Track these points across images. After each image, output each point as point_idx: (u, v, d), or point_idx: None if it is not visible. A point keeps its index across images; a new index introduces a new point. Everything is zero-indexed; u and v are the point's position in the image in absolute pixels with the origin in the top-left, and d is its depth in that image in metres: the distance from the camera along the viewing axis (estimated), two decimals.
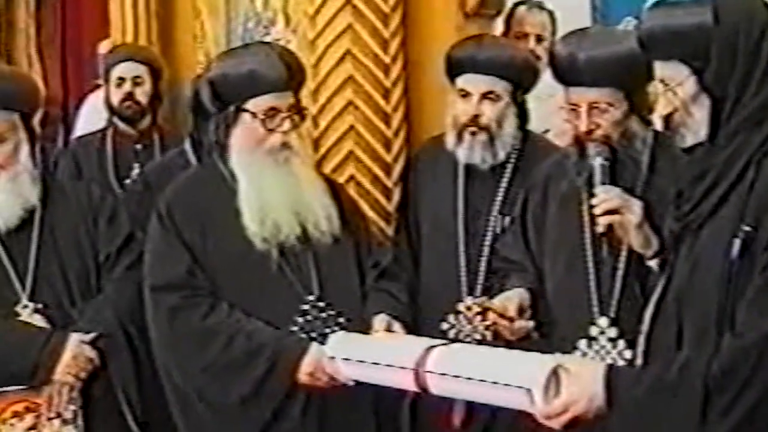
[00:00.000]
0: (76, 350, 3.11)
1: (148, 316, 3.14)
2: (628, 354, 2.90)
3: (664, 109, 2.26)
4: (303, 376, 3.01)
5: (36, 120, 3.44)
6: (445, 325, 3.45)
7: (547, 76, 3.31)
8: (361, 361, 2.79)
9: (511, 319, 3.00)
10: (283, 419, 3.08)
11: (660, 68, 2.25)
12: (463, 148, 3.47)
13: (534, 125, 3.68)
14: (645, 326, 2.36)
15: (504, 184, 3.49)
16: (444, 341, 2.81)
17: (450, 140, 3.50)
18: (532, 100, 3.69)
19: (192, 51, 4.57)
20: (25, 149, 3.20)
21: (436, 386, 2.56)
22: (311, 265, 3.15)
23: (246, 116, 3.10)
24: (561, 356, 2.60)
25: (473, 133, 3.45)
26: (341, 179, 3.64)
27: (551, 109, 3.81)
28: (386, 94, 3.78)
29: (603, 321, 3.00)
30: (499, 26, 4.45)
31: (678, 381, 2.10)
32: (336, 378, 2.92)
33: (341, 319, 3.13)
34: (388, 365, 2.68)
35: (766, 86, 2.15)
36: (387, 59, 3.78)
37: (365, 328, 3.07)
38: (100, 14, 5.56)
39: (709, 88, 2.18)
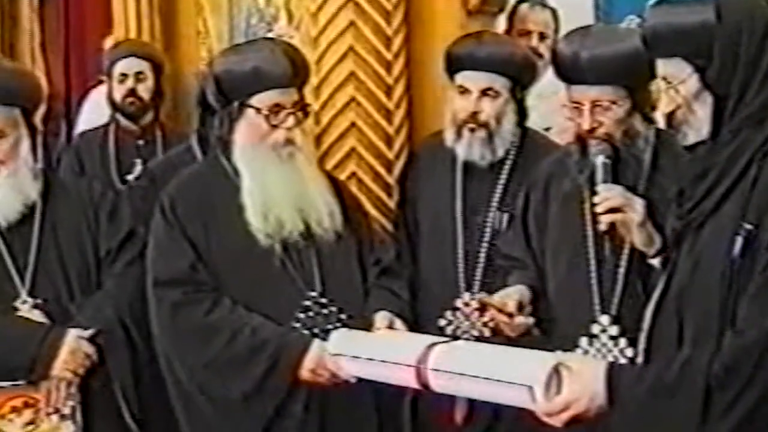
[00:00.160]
0: (74, 346, 3.10)
1: (150, 311, 3.14)
2: (629, 352, 2.90)
3: (667, 107, 2.26)
4: (305, 372, 3.01)
5: (39, 116, 3.44)
6: (442, 322, 3.45)
7: (549, 74, 3.31)
8: (362, 358, 2.80)
9: (510, 315, 3.00)
10: (285, 416, 3.07)
11: (663, 66, 2.25)
12: (462, 145, 3.48)
13: (537, 123, 3.69)
14: (646, 324, 2.36)
15: (502, 180, 3.49)
16: (446, 339, 2.81)
17: (449, 137, 3.50)
18: (535, 97, 3.69)
19: (195, 47, 4.57)
20: (25, 145, 3.19)
21: (438, 383, 2.56)
22: (314, 261, 3.15)
23: (250, 112, 3.10)
24: (562, 354, 2.61)
25: (472, 130, 3.46)
26: (343, 176, 3.64)
27: (554, 107, 3.81)
28: (388, 91, 3.78)
29: (604, 319, 2.99)
30: (501, 24, 4.45)
31: (679, 379, 2.10)
32: (338, 375, 2.93)
33: (343, 316, 3.12)
34: (389, 362, 2.69)
35: None
36: (389, 56, 3.78)
37: (367, 326, 3.07)
38: (103, 10, 5.56)
39: (712, 86, 2.18)
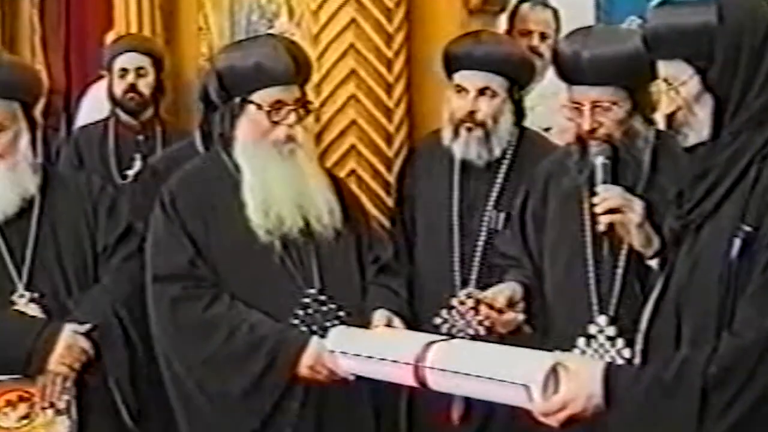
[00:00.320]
0: (70, 341, 3.10)
1: (149, 306, 3.14)
2: (626, 353, 2.90)
3: (667, 108, 2.26)
4: (303, 369, 3.01)
5: (38, 110, 3.43)
6: (438, 320, 3.46)
7: (550, 74, 3.31)
8: (360, 356, 2.79)
9: (500, 311, 3.01)
10: (281, 413, 3.07)
11: (664, 67, 2.25)
12: (459, 144, 3.49)
13: (538, 123, 3.68)
14: (644, 325, 2.36)
15: (499, 180, 3.50)
16: (444, 337, 2.81)
17: (446, 136, 3.51)
18: (535, 97, 3.68)
19: (196, 43, 4.57)
20: (25, 139, 3.19)
21: (435, 382, 2.56)
22: (313, 258, 3.15)
23: (251, 108, 3.10)
24: (560, 354, 2.61)
25: (469, 129, 3.46)
26: (342, 173, 3.64)
27: (555, 107, 3.81)
28: (389, 89, 3.79)
29: (602, 319, 3.00)
30: (503, 23, 4.45)
31: (676, 380, 2.10)
32: (336, 372, 2.93)
33: (341, 313, 3.12)
34: (387, 360, 2.68)
35: None
36: (390, 54, 3.78)
37: (365, 323, 3.07)
38: (104, 5, 5.56)
39: (713, 87, 2.18)
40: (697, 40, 2.17)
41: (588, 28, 3.13)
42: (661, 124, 2.63)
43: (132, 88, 4.73)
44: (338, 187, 3.30)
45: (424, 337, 2.70)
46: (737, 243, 2.11)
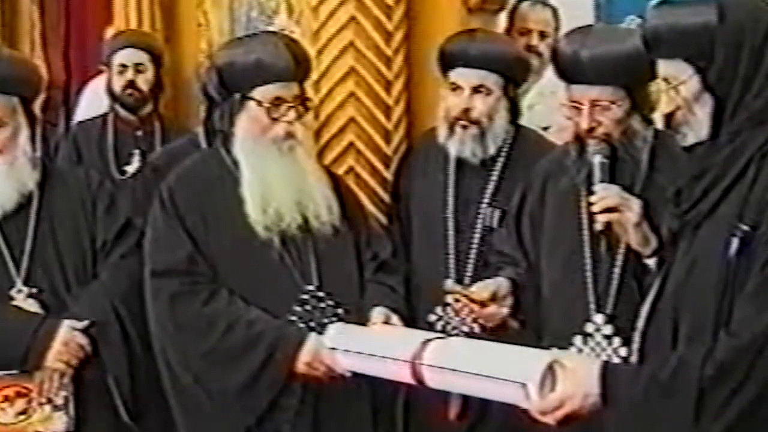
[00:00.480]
0: (67, 337, 3.10)
1: (147, 301, 3.14)
2: (623, 351, 2.90)
3: (667, 107, 2.26)
4: (301, 365, 3.02)
5: (37, 105, 3.43)
6: (432, 317, 3.46)
7: (550, 73, 3.31)
8: (358, 353, 2.80)
9: (482, 304, 3.01)
10: (279, 409, 3.08)
11: (663, 67, 2.25)
12: (454, 142, 3.48)
13: (536, 121, 3.68)
14: (641, 324, 2.36)
15: (494, 177, 3.50)
16: (441, 335, 2.82)
17: (441, 133, 3.51)
18: (535, 96, 3.68)
19: (195, 39, 4.56)
20: (24, 134, 3.19)
21: (432, 379, 2.57)
22: (311, 255, 3.16)
23: (251, 104, 3.10)
24: (557, 352, 2.61)
25: (464, 127, 3.46)
26: (341, 170, 3.64)
27: (554, 106, 3.81)
28: (388, 87, 3.79)
29: (599, 318, 3.00)
30: (502, 22, 4.45)
31: (673, 379, 2.10)
32: (333, 369, 2.93)
33: (339, 310, 3.13)
34: (385, 357, 2.69)
35: None
36: (389, 52, 3.78)
37: (363, 320, 3.07)
38: (103, 1, 5.55)
39: (712, 87, 2.18)
40: (697, 39, 2.18)
41: (587, 27, 3.13)
42: (660, 124, 2.63)
43: (131, 84, 4.73)
44: (337, 184, 3.30)
45: (422, 335, 2.71)
46: (735, 242, 2.11)
